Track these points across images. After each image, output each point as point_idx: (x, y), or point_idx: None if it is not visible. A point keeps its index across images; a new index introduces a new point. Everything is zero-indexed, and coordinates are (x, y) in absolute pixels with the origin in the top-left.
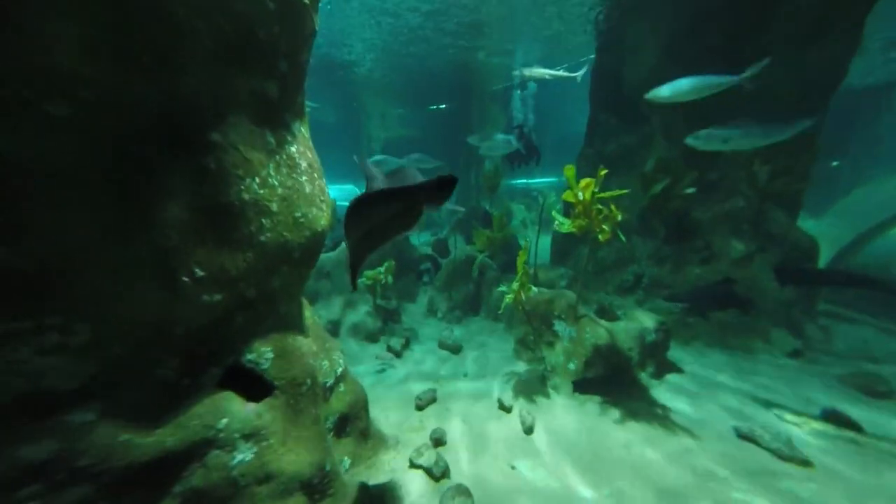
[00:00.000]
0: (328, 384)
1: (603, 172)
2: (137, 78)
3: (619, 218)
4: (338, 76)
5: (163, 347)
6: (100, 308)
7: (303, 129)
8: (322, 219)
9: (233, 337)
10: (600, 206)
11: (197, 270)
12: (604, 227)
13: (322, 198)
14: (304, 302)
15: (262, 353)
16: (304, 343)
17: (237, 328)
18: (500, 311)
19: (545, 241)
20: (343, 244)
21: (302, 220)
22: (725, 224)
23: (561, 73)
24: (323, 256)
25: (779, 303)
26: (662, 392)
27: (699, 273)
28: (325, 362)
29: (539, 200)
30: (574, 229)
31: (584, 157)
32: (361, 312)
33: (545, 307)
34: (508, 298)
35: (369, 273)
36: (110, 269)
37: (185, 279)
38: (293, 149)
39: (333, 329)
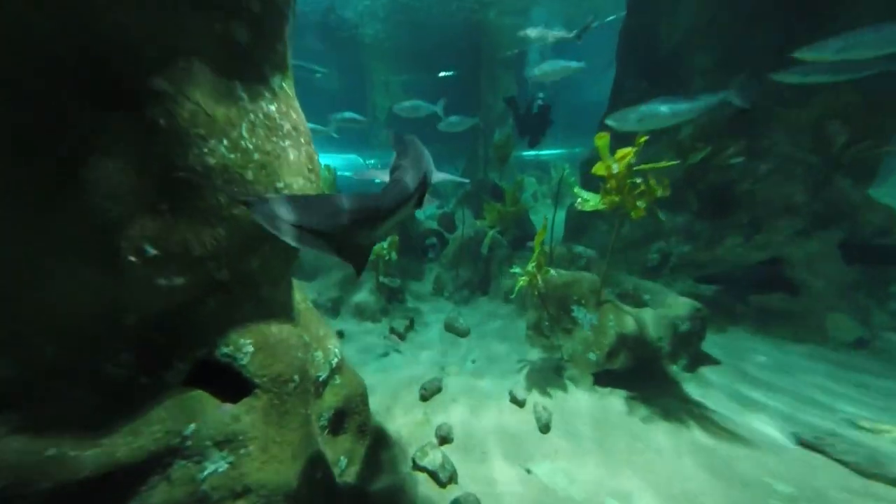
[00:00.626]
0: (321, 378)
1: (642, 140)
2: (42, 5)
3: (661, 194)
4: (341, 38)
5: (110, 341)
6: (14, 298)
7: (286, 86)
8: (310, 190)
9: (203, 326)
10: (637, 180)
11: (148, 248)
12: (638, 203)
13: (311, 167)
14: (295, 283)
15: (240, 346)
16: (293, 333)
17: (208, 315)
18: (512, 296)
19: (558, 216)
20: None
21: (285, 190)
22: (777, 195)
23: (559, 33)
24: None
25: (840, 285)
26: (697, 387)
27: (741, 252)
28: (319, 353)
29: (551, 173)
30: (603, 206)
31: (605, 126)
32: (364, 290)
33: (563, 290)
34: (522, 281)
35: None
36: (26, 249)
37: (133, 259)
38: (272, 107)
39: (334, 307)
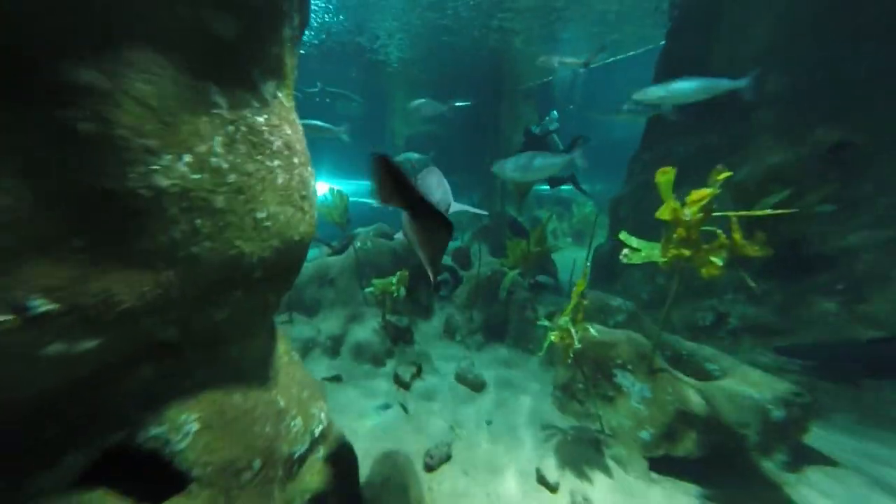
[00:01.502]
0: (298, 453)
1: (722, 177)
2: None
3: (756, 253)
4: (365, 63)
5: None
6: None
7: (282, 97)
8: (302, 224)
9: (123, 403)
10: (716, 231)
11: (36, 302)
12: (713, 260)
13: (304, 193)
14: (280, 330)
15: (179, 424)
16: (263, 399)
17: (138, 388)
18: (540, 353)
19: (578, 255)
20: (351, 248)
21: (267, 223)
22: (887, 258)
23: (569, 60)
24: (328, 260)
25: None
26: (807, 494)
27: (836, 322)
28: (298, 420)
29: (573, 210)
30: (664, 260)
31: (639, 161)
32: (368, 329)
33: (603, 351)
34: (553, 337)
35: (378, 282)
36: None
37: (4, 318)
38: (261, 119)
39: (334, 347)
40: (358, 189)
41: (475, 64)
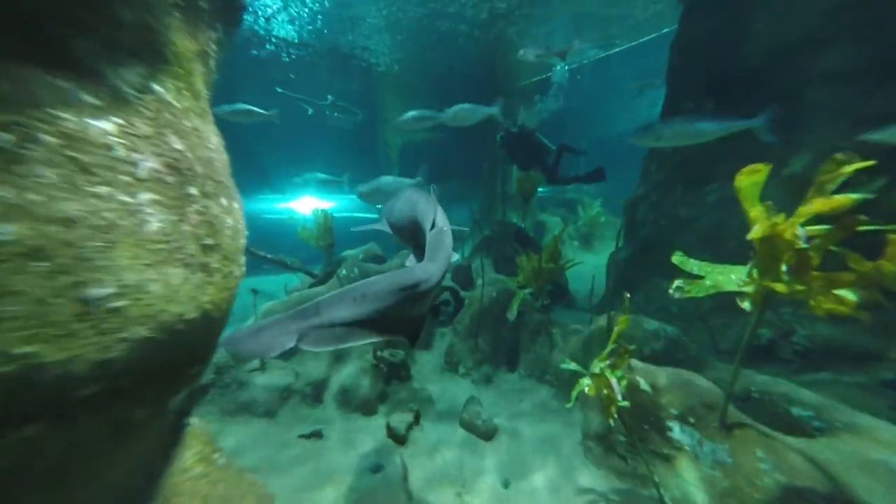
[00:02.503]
0: None
1: (852, 169)
2: None
3: None
4: (352, 69)
5: None
6: None
7: (163, 90)
8: (206, 290)
9: None
10: (845, 252)
11: None
12: (845, 297)
13: (210, 241)
14: (196, 430)
15: None
16: None
17: None
18: (569, 404)
19: (586, 260)
20: (335, 277)
21: (119, 302)
22: None
23: (540, 51)
24: (308, 291)
25: None
26: None
27: None
28: None
29: (579, 212)
30: (751, 291)
31: (657, 157)
32: (356, 369)
33: (650, 397)
34: (587, 388)
35: None
36: None
37: None
38: (102, 126)
39: (315, 393)
40: (351, 204)
41: (468, 63)
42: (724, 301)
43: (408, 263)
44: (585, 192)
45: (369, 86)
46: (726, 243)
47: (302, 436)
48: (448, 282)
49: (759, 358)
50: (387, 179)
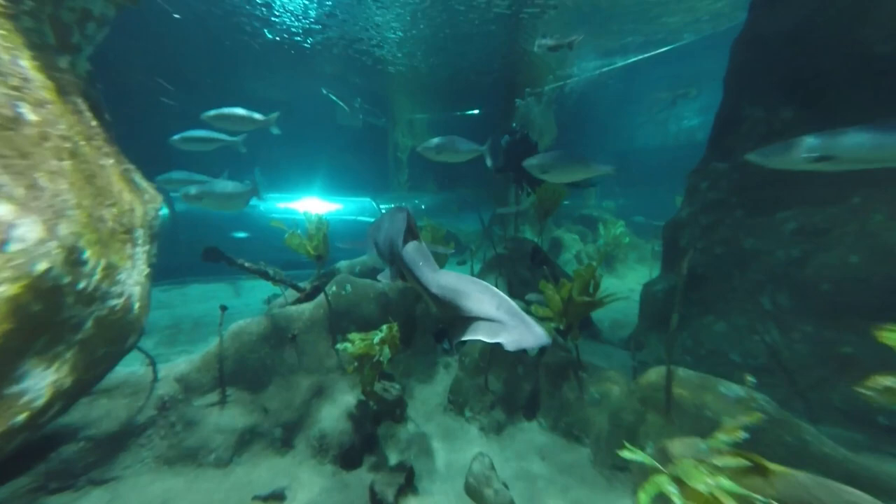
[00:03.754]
0: None
1: None
2: None
3: None
4: (364, 69)
5: None
6: None
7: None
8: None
9: None
10: None
11: None
12: None
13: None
14: None
15: None
16: None
17: None
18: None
19: (610, 285)
20: (323, 294)
21: None
22: None
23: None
24: (290, 311)
25: None
26: None
27: None
28: None
29: (599, 229)
30: None
31: (709, 173)
32: (339, 408)
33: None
34: (671, 496)
35: (356, 338)
36: None
37: None
38: None
39: (286, 438)
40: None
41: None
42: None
43: (380, 278)
44: (605, 208)
45: (380, 85)
46: (817, 286)
47: (257, 498)
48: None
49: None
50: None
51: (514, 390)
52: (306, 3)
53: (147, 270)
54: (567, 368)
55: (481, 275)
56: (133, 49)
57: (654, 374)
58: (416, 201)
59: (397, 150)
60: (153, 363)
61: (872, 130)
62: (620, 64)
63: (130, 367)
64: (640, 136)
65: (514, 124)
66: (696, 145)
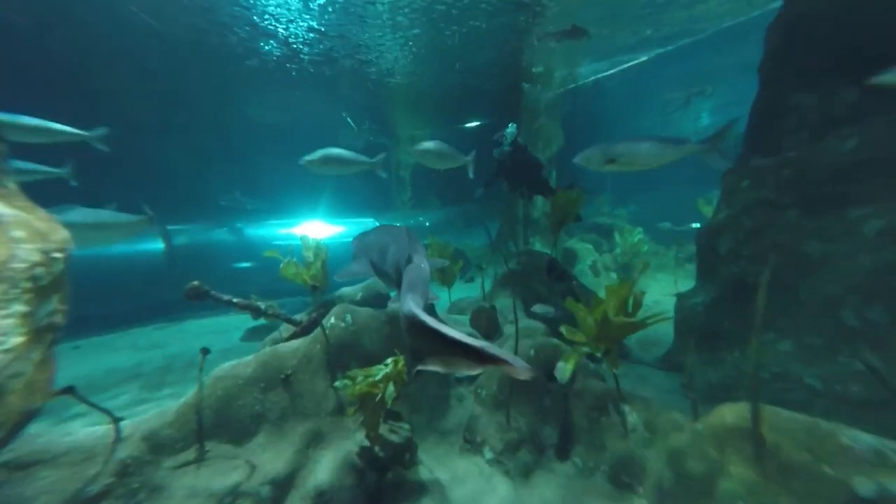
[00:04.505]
0: None
1: None
2: None
3: None
4: (363, 85)
5: None
6: None
7: None
8: None
9: None
10: None
11: None
12: None
13: None
14: None
15: None
16: None
17: None
18: None
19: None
20: (319, 329)
21: None
22: None
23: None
24: (282, 349)
25: None
26: None
27: None
28: None
29: (615, 238)
30: None
31: (750, 172)
32: (338, 457)
33: None
34: None
35: (358, 374)
36: None
37: None
38: None
39: (276, 497)
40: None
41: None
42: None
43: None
44: (619, 215)
45: (381, 102)
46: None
47: None
48: (466, 327)
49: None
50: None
51: (542, 426)
52: (307, 18)
53: (21, 339)
54: (605, 400)
55: (493, 292)
56: (132, 75)
57: (731, 415)
58: (421, 219)
59: (399, 168)
60: (116, 421)
61: (651, 140)
62: (630, 63)
63: (91, 426)
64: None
65: (513, 127)
66: None
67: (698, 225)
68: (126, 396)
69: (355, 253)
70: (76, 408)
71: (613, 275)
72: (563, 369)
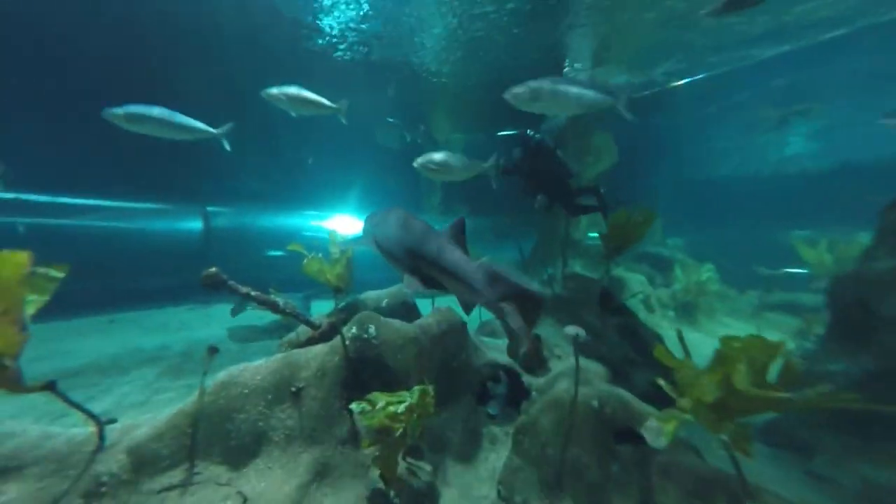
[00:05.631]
0: None
1: None
2: None
3: None
4: (403, 80)
5: None
6: None
7: None
8: None
9: None
10: None
11: None
12: None
13: None
14: None
15: None
16: None
17: None
18: None
19: (692, 341)
20: (339, 337)
21: None
22: None
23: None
24: (297, 356)
25: None
26: None
27: None
28: None
29: (676, 271)
30: None
31: None
32: (347, 499)
33: None
34: None
35: (379, 399)
36: None
37: None
38: None
39: None
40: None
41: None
42: None
43: (405, 287)
44: (674, 246)
45: (418, 102)
46: None
47: None
48: (501, 354)
49: None
50: None
51: (608, 500)
52: (350, 11)
53: None
54: (714, 489)
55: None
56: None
57: None
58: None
59: None
60: (100, 425)
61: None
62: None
63: (76, 427)
64: (725, 164)
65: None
66: (808, 178)
67: (804, 270)
68: (141, 382)
69: (364, 231)
70: (78, 396)
71: (671, 313)
72: (658, 431)
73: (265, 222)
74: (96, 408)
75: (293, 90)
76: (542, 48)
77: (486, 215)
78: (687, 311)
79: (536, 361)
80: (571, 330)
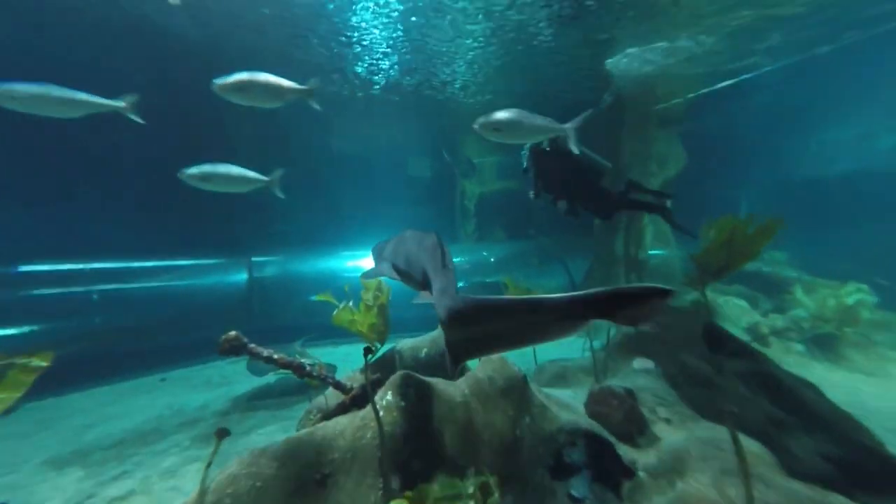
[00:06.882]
0: None
1: None
2: None
3: None
4: (434, 105)
5: None
6: None
7: None
8: None
9: None
10: None
11: None
12: None
13: None
14: None
15: None
16: None
17: None
18: None
19: (845, 387)
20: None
21: None
22: None
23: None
24: (322, 430)
25: None
26: None
27: None
28: None
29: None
30: None
31: None
32: None
33: None
34: None
35: (429, 492)
36: None
37: None
38: None
39: None
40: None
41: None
42: None
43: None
44: (776, 260)
45: (449, 125)
46: None
47: None
48: (576, 414)
49: None
50: None
51: None
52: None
53: None
54: None
55: (607, 360)
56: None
57: None
58: (485, 254)
59: (464, 198)
60: None
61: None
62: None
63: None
64: (822, 161)
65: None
66: None
67: None
68: (176, 450)
69: (376, 256)
70: (112, 471)
71: (798, 346)
72: None
73: (305, 267)
74: (127, 484)
75: (245, 76)
76: (581, 61)
77: (525, 239)
78: (824, 344)
79: (634, 425)
80: (639, 364)
